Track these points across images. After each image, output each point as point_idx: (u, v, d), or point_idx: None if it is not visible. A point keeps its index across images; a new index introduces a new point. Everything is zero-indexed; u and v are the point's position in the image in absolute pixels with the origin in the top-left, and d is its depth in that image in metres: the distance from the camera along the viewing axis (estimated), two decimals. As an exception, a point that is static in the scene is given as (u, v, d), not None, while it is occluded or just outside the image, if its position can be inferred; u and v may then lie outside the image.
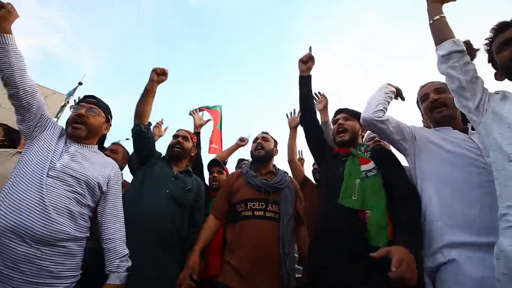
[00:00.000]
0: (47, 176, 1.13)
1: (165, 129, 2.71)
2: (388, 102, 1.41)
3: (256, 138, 1.92)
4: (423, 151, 1.27)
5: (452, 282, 0.99)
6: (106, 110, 1.43)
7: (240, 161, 2.92)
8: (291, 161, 2.30)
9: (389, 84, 1.48)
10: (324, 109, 2.22)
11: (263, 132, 1.98)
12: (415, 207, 1.19)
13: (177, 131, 2.05)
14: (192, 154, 2.03)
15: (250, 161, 1.95)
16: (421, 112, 1.44)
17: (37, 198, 1.07)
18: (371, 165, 1.39)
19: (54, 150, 1.22)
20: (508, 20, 1.05)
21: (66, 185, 1.16)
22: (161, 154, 1.92)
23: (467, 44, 1.33)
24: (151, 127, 2.31)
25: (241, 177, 1.77)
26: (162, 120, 2.72)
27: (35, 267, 1.03)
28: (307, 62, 1.70)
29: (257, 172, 1.75)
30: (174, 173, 1.80)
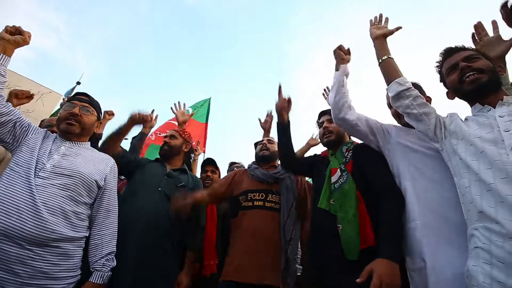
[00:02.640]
0: (36, 177, 1.10)
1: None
2: (347, 91, 1.40)
3: (262, 141, 2.00)
4: (397, 151, 1.26)
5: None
6: (98, 108, 1.41)
7: (232, 164, 2.88)
8: None
9: (340, 59, 1.46)
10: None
11: (268, 137, 2.07)
12: (393, 207, 1.15)
13: (167, 132, 2.09)
14: (185, 150, 1.99)
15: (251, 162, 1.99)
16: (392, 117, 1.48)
17: (27, 199, 1.04)
18: (338, 174, 1.38)
19: (40, 150, 1.18)
20: (453, 46, 1.15)
21: (58, 184, 1.13)
22: (147, 159, 1.95)
23: None
24: None
25: (245, 172, 1.85)
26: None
27: (28, 269, 1.00)
28: (283, 108, 1.67)
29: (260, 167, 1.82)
30: (167, 171, 1.80)
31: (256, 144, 2.12)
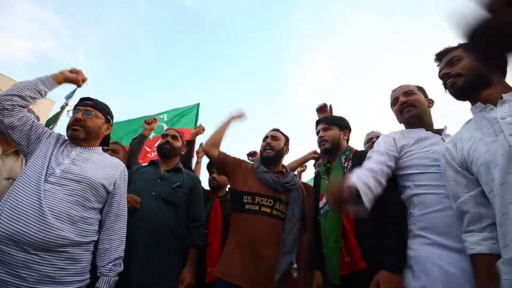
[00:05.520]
0: (46, 182, 1.11)
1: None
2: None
3: (266, 137, 1.84)
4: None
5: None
6: (104, 110, 1.41)
7: None
8: None
9: None
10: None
11: (273, 130, 1.88)
12: (398, 219, 1.15)
13: (166, 130, 2.08)
14: (182, 153, 2.05)
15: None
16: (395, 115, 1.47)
17: (34, 204, 1.05)
18: (324, 200, 1.42)
19: (52, 156, 1.21)
20: (442, 49, 1.13)
21: (66, 190, 1.14)
22: (138, 167, 1.96)
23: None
24: None
25: (251, 168, 1.74)
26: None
27: (35, 273, 1.01)
28: None
29: (268, 169, 1.72)
30: (160, 174, 1.79)
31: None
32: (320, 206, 1.43)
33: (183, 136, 2.10)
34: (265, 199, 1.57)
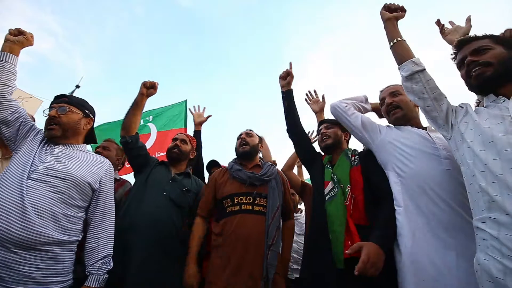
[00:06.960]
0: (28, 178, 1.09)
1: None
2: (358, 107, 1.55)
3: (240, 135, 1.91)
4: (385, 145, 1.33)
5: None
6: (80, 105, 1.36)
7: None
8: (286, 174, 2.12)
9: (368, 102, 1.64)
10: (320, 111, 2.08)
11: (247, 129, 1.97)
12: (390, 206, 1.21)
13: (176, 134, 2.07)
14: (191, 157, 2.01)
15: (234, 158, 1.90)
16: (383, 115, 1.53)
17: (16, 201, 1.03)
18: (329, 186, 1.43)
19: (36, 153, 1.19)
20: (467, 37, 1.13)
21: (49, 186, 1.11)
22: (157, 160, 1.95)
23: None
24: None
25: (226, 173, 1.75)
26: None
27: (13, 273, 0.97)
28: (286, 77, 1.80)
29: (243, 166, 1.73)
30: (172, 176, 1.80)
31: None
32: (325, 193, 1.42)
33: (193, 141, 2.08)
34: (244, 197, 1.56)
